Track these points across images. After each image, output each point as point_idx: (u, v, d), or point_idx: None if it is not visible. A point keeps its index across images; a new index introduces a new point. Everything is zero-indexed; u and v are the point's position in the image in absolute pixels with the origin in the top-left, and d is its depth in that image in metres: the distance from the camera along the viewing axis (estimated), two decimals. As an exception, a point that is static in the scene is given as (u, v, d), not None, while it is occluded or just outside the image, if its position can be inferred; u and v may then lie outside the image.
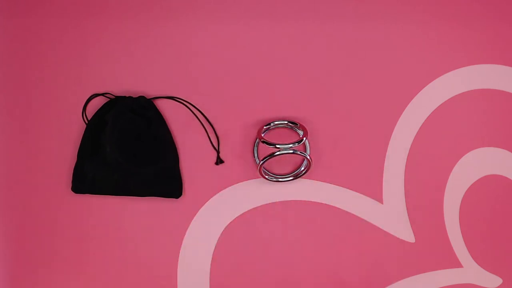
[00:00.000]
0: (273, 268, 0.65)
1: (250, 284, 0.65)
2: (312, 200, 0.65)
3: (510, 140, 0.66)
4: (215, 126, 0.64)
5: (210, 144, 0.64)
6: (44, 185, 0.64)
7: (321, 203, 0.65)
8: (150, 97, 0.63)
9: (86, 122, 0.63)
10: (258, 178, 0.65)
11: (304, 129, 0.62)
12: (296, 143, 0.60)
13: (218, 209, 0.65)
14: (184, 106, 0.64)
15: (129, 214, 0.64)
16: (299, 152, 0.60)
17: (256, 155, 0.64)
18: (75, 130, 0.63)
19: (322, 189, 0.65)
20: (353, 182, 0.65)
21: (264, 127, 0.63)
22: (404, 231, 0.66)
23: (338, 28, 0.64)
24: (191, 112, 0.64)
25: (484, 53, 0.65)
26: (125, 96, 0.62)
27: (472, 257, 0.66)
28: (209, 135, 0.64)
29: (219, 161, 0.64)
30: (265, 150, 0.63)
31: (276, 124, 0.64)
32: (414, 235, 0.66)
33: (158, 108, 0.63)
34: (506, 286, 0.67)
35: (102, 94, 0.63)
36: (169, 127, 0.63)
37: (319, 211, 0.65)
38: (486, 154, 0.66)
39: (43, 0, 0.63)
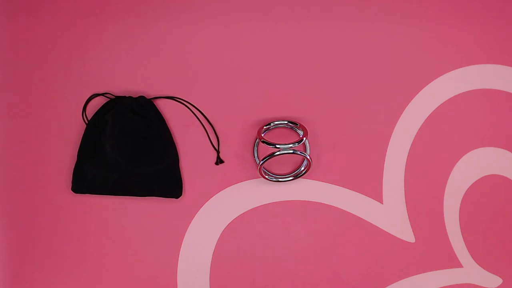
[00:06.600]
0: (273, 268, 0.65)
1: (250, 284, 0.65)
2: (312, 200, 0.65)
3: (510, 140, 0.66)
4: (215, 126, 0.64)
5: (210, 144, 0.64)
6: (44, 185, 0.64)
7: (321, 203, 0.65)
8: (150, 97, 0.63)
9: (86, 122, 0.63)
10: (258, 178, 0.65)
11: (304, 129, 0.62)
12: (296, 143, 0.60)
13: (218, 209, 0.65)
14: (184, 106, 0.64)
15: (129, 214, 0.64)
16: (299, 152, 0.60)
17: (256, 155, 0.64)
18: (75, 130, 0.63)
19: (322, 189, 0.65)
20: (353, 182, 0.65)
21: (264, 127, 0.63)
22: (404, 231, 0.66)
23: (338, 28, 0.64)
24: (191, 112, 0.64)
25: (484, 53, 0.65)
26: (125, 96, 0.62)
27: (472, 257, 0.66)
28: (209, 135, 0.64)
29: (219, 161, 0.64)
30: (265, 150, 0.63)
31: (276, 124, 0.64)
32: (414, 235, 0.66)
33: (158, 108, 0.63)
34: (506, 286, 0.67)
35: (102, 94, 0.63)
36: (169, 127, 0.63)
37: (319, 211, 0.65)
38: (486, 154, 0.66)
39: (43, 0, 0.63)
